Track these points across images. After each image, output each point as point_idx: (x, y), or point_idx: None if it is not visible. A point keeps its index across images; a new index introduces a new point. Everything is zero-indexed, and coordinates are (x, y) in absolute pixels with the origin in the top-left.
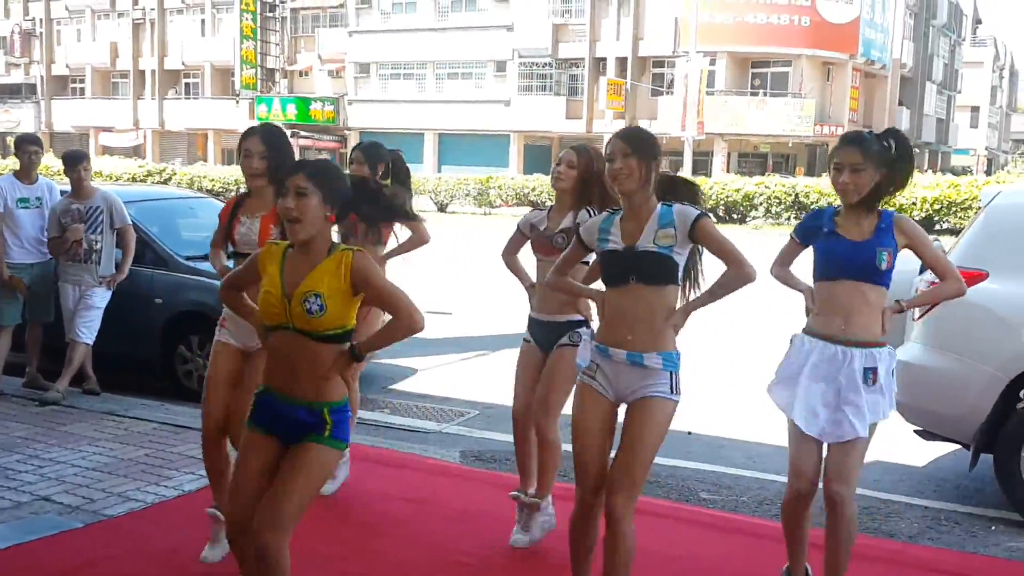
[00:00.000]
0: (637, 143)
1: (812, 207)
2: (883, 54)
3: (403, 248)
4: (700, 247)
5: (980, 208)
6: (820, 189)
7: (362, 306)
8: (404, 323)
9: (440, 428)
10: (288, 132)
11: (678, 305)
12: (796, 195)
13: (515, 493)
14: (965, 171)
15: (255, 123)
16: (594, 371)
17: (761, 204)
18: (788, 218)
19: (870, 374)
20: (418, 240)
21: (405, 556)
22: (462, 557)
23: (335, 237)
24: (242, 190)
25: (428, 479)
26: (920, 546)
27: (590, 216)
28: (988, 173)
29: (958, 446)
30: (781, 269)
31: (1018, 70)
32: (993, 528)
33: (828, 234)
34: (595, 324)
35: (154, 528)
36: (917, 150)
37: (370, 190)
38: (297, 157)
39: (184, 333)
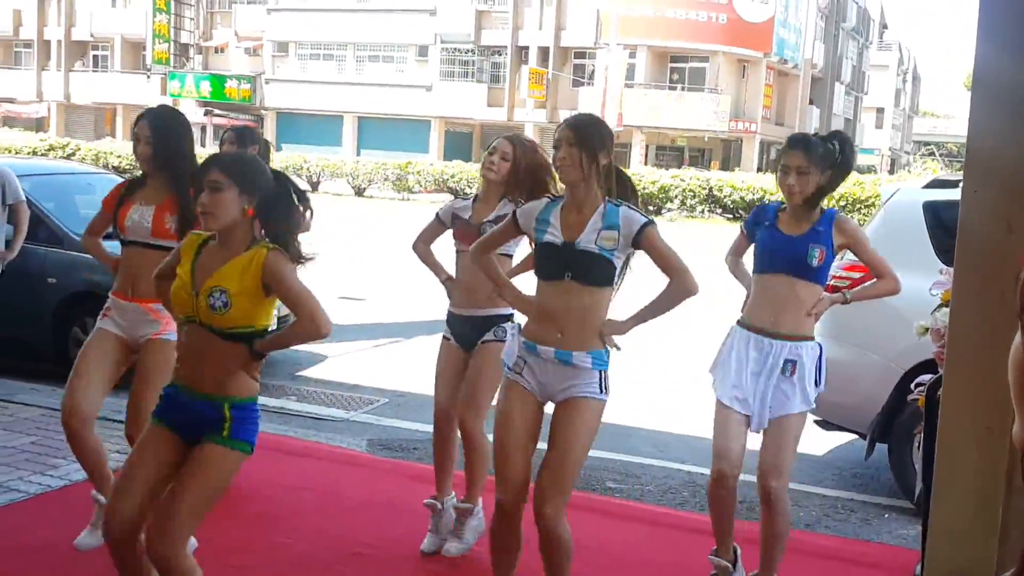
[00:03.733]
0: (583, 133)
1: (724, 200)
2: (795, 54)
3: None
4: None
5: (881, 205)
6: (733, 183)
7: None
8: (306, 327)
9: (348, 416)
10: (202, 111)
11: (610, 307)
12: (710, 188)
13: (430, 501)
14: (870, 170)
15: (167, 99)
16: (521, 368)
17: (676, 196)
18: (703, 211)
19: (789, 366)
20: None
21: (307, 548)
22: (365, 549)
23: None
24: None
25: (334, 468)
26: (818, 534)
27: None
28: (891, 172)
29: (855, 435)
30: (734, 260)
31: (920, 75)
32: (886, 516)
33: (768, 227)
34: (519, 317)
35: (33, 520)
36: None
37: None
38: (211, 137)
39: (78, 315)
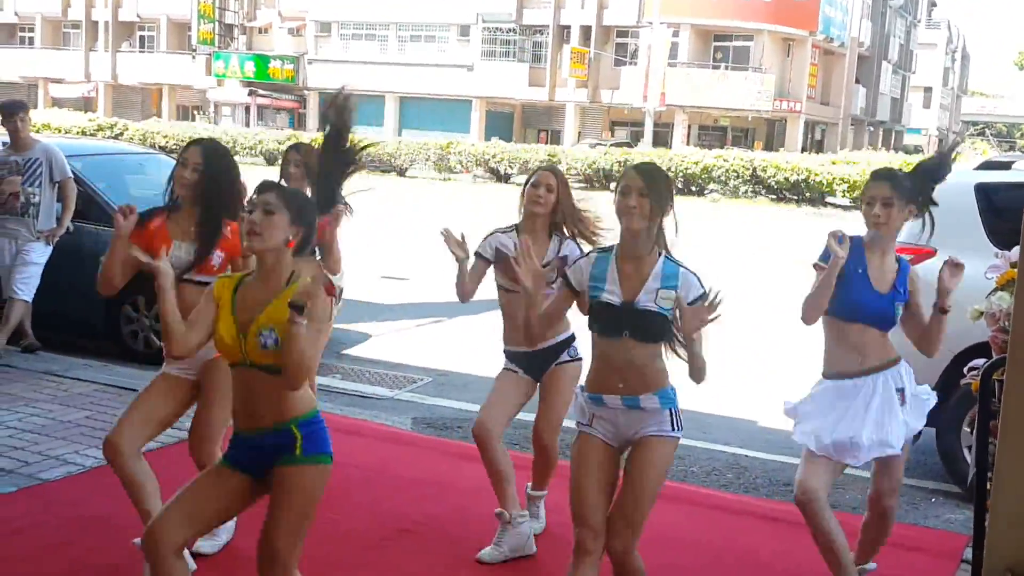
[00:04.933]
0: (656, 185)
1: (768, 181)
2: (842, 32)
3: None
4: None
5: None
6: (777, 164)
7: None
8: (292, 379)
9: (392, 394)
10: (246, 91)
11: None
12: (754, 169)
13: (498, 511)
14: (917, 150)
15: (211, 79)
16: (590, 421)
17: (719, 177)
18: (745, 192)
19: (899, 394)
20: (327, 266)
21: (355, 524)
22: (412, 526)
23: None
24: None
25: (380, 446)
26: (863, 517)
27: (578, 250)
28: None
29: None
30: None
31: (969, 53)
32: (933, 500)
33: (861, 275)
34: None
35: (90, 493)
36: (871, 128)
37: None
38: (254, 118)
39: (130, 292)
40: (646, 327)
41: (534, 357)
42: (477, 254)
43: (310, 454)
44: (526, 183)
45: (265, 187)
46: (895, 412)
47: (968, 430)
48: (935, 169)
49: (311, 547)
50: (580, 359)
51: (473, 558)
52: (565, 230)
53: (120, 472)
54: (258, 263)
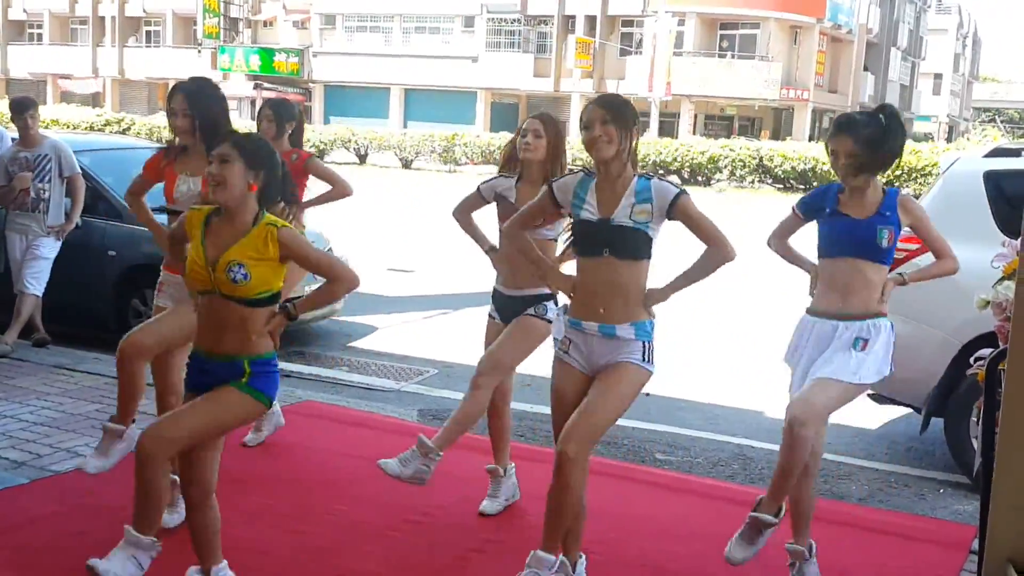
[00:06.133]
0: (616, 110)
1: (775, 170)
2: (850, 19)
3: (322, 199)
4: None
5: (939, 174)
6: (784, 153)
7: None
8: (344, 284)
9: (399, 386)
10: (251, 84)
11: (648, 279)
12: (760, 158)
13: (492, 467)
14: (927, 137)
15: (217, 73)
16: (567, 345)
17: (726, 167)
18: (752, 181)
19: (860, 342)
20: (338, 193)
21: (362, 515)
22: (418, 517)
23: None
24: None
25: (387, 437)
26: (870, 508)
27: None
28: (949, 140)
29: (910, 410)
30: (780, 242)
31: (981, 39)
32: (941, 491)
33: (831, 213)
34: (561, 298)
35: (101, 484)
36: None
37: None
38: (258, 108)
39: (138, 286)
40: (624, 243)
41: (511, 301)
42: (478, 189)
43: (253, 387)
44: (516, 133)
45: (223, 137)
46: (846, 352)
47: (976, 420)
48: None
49: (317, 537)
50: (549, 321)
51: (479, 548)
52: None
53: (129, 369)
54: (224, 208)
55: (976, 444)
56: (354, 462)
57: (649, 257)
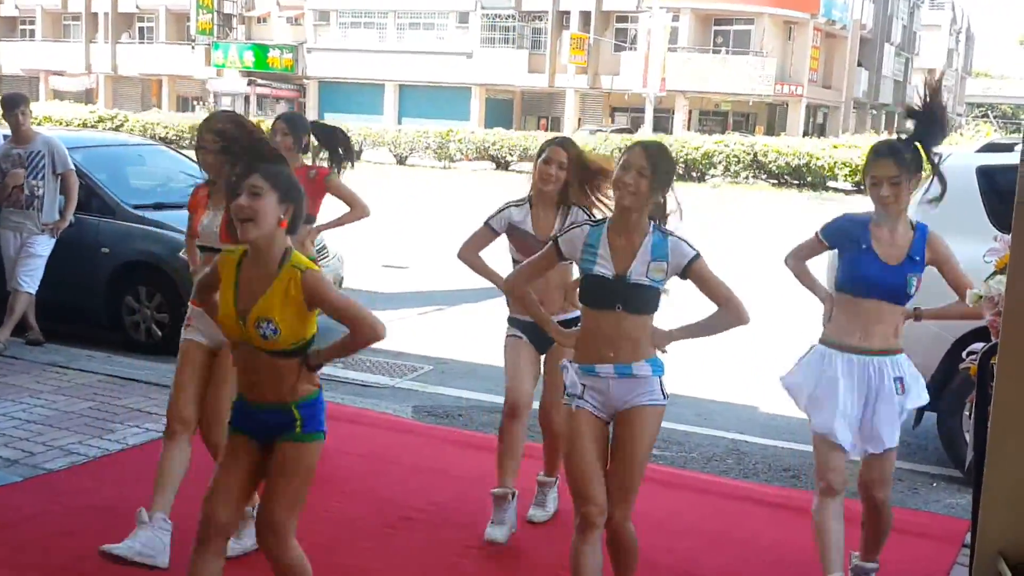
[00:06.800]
0: (658, 168)
1: (769, 166)
2: (843, 14)
3: (338, 222)
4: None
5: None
6: (779, 148)
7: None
8: (366, 335)
9: (393, 383)
10: (245, 81)
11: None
12: (755, 154)
13: (499, 491)
14: None
15: (211, 70)
16: (582, 392)
17: (720, 163)
18: (746, 177)
19: (898, 383)
20: (356, 215)
21: (358, 511)
22: (415, 513)
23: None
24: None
25: (382, 434)
26: None
27: (587, 216)
28: None
29: None
30: (798, 264)
31: (974, 34)
32: (934, 485)
33: (864, 251)
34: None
35: (95, 483)
36: (874, 112)
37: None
38: (254, 107)
39: (131, 283)
40: (638, 300)
41: (536, 328)
42: (487, 224)
43: (308, 431)
44: (538, 156)
45: (252, 168)
46: (893, 404)
47: (968, 415)
48: (931, 134)
49: (314, 534)
50: None
51: (475, 545)
52: (580, 206)
53: (174, 446)
54: (252, 246)
55: (969, 438)
56: (349, 459)
57: (658, 308)
